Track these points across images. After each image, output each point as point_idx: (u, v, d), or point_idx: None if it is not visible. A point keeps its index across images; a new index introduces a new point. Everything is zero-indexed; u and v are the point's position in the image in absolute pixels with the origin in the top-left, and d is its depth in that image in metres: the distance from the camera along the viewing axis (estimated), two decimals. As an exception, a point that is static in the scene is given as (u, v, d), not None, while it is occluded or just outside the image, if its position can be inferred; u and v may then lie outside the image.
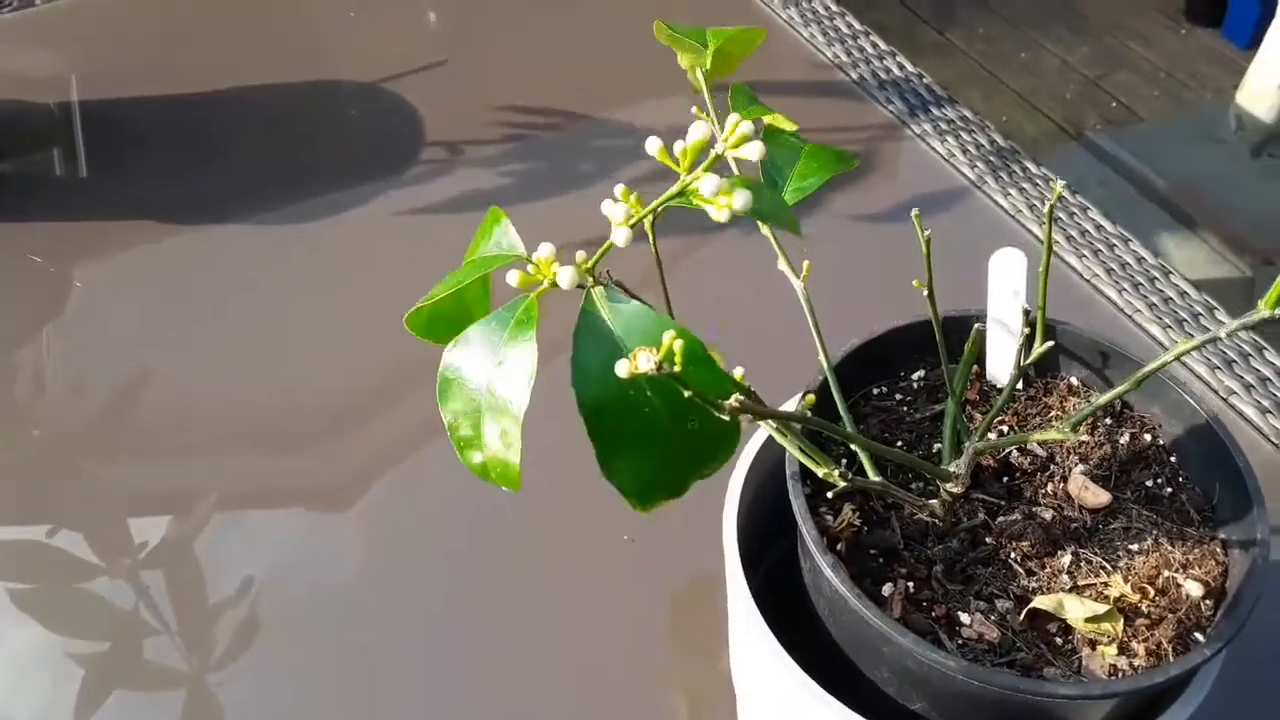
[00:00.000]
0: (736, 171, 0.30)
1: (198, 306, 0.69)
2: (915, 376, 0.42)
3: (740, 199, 0.25)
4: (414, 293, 0.74)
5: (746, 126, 0.24)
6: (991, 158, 0.78)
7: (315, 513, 0.59)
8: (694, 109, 0.43)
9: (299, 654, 0.52)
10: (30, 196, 0.77)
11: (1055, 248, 0.71)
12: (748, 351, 0.45)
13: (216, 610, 0.53)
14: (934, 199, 0.76)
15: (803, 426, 0.35)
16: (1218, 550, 0.36)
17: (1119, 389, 0.33)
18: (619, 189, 0.29)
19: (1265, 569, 0.33)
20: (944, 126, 0.81)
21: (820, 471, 0.33)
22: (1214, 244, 1.83)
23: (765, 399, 0.44)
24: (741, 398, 0.25)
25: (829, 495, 0.34)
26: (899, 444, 0.40)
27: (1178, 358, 0.30)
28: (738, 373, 0.38)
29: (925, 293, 0.34)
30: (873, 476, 0.35)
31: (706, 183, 0.24)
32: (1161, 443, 0.40)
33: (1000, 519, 0.37)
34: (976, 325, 0.34)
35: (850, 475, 0.33)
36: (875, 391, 0.42)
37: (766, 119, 0.43)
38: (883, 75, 0.86)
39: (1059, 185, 0.35)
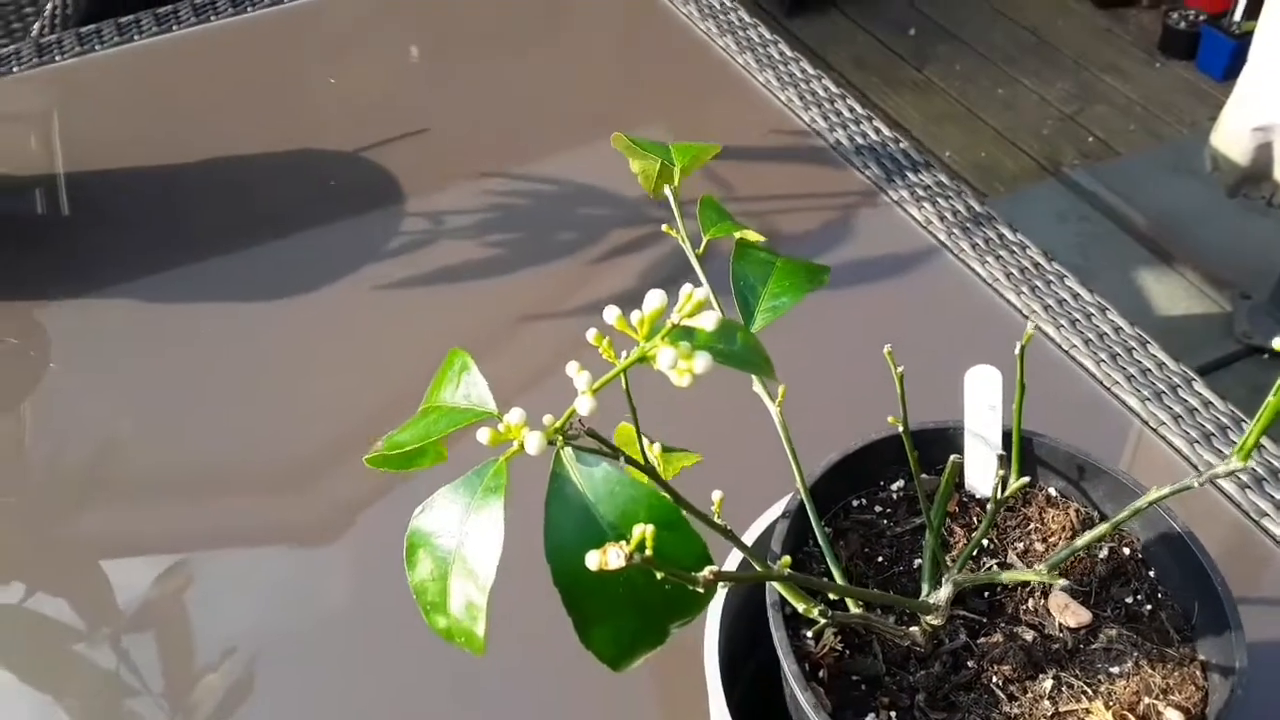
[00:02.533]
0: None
1: (174, 384, 0.69)
2: (895, 487, 0.42)
3: (701, 363, 0.25)
4: (393, 369, 0.74)
5: (701, 293, 0.24)
6: (968, 224, 0.78)
7: (296, 577, 0.59)
8: (664, 226, 0.43)
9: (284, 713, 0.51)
10: (4, 278, 0.77)
11: (1032, 316, 0.71)
12: (730, 460, 0.45)
13: (198, 673, 0.53)
14: (911, 267, 0.77)
15: (778, 558, 0.35)
16: (1197, 674, 0.36)
17: (1094, 533, 0.33)
18: (591, 334, 0.28)
19: (1244, 698, 0.33)
20: (921, 192, 0.81)
21: (800, 607, 0.33)
22: (1192, 278, 1.84)
23: (749, 510, 0.44)
24: (715, 570, 0.25)
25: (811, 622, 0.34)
26: (879, 559, 0.40)
27: (1152, 503, 0.30)
28: (716, 496, 0.38)
29: (900, 428, 0.34)
30: (853, 608, 0.35)
31: (663, 356, 0.24)
32: (1140, 557, 0.40)
33: (982, 639, 0.37)
34: (953, 458, 0.34)
35: (829, 611, 0.33)
36: (855, 504, 0.42)
37: (737, 234, 0.43)
38: (859, 140, 0.86)
39: (1030, 328, 0.36)
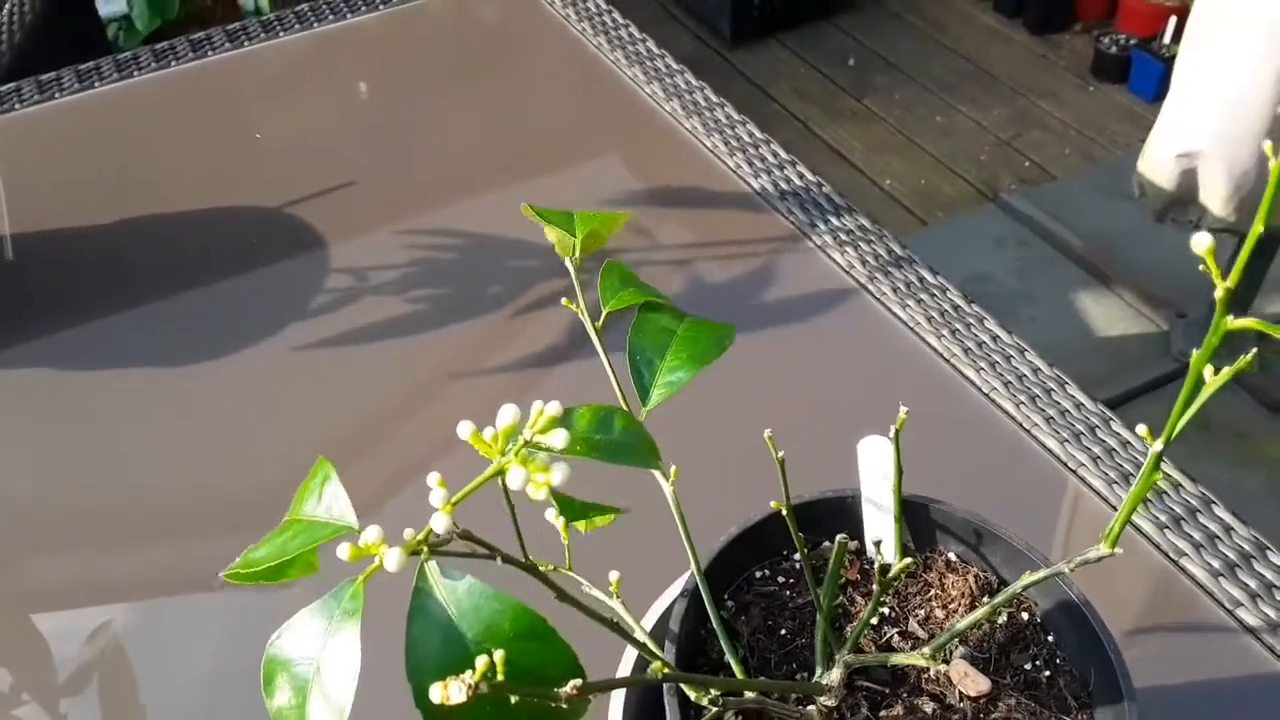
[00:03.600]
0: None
1: (87, 439, 0.68)
2: (797, 557, 0.42)
3: (559, 474, 0.25)
4: (310, 431, 0.73)
5: (553, 409, 0.24)
6: (890, 268, 0.79)
7: (209, 634, 0.58)
8: (564, 300, 0.43)
9: None
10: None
11: (953, 360, 0.72)
12: (644, 525, 0.45)
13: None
14: (833, 312, 0.77)
15: (677, 645, 0.35)
16: (1093, 743, 0.36)
17: (971, 618, 0.33)
18: (466, 432, 0.28)
19: (1135, 768, 0.33)
20: (844, 237, 0.82)
21: (692, 695, 0.33)
22: (1129, 299, 1.88)
23: (653, 584, 0.44)
24: (579, 683, 0.25)
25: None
26: (783, 631, 0.40)
27: (1025, 588, 0.31)
28: (613, 577, 0.38)
29: (784, 511, 0.34)
30: (750, 692, 0.35)
31: (514, 476, 0.24)
32: (1039, 621, 0.40)
33: (884, 713, 0.37)
34: (840, 539, 0.34)
35: (721, 699, 0.32)
36: (759, 574, 0.42)
37: (639, 301, 0.43)
38: (784, 185, 0.87)
39: (903, 412, 0.35)
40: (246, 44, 1.05)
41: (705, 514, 0.42)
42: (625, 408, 0.39)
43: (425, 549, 0.26)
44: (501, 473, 0.25)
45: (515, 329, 0.76)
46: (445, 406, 0.71)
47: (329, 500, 0.27)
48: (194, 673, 0.57)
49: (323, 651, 0.25)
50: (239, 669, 0.58)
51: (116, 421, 0.70)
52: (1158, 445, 0.26)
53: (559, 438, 0.24)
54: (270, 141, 0.95)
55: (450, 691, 0.22)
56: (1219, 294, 0.22)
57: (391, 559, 0.25)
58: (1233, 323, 0.22)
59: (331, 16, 1.08)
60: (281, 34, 1.07)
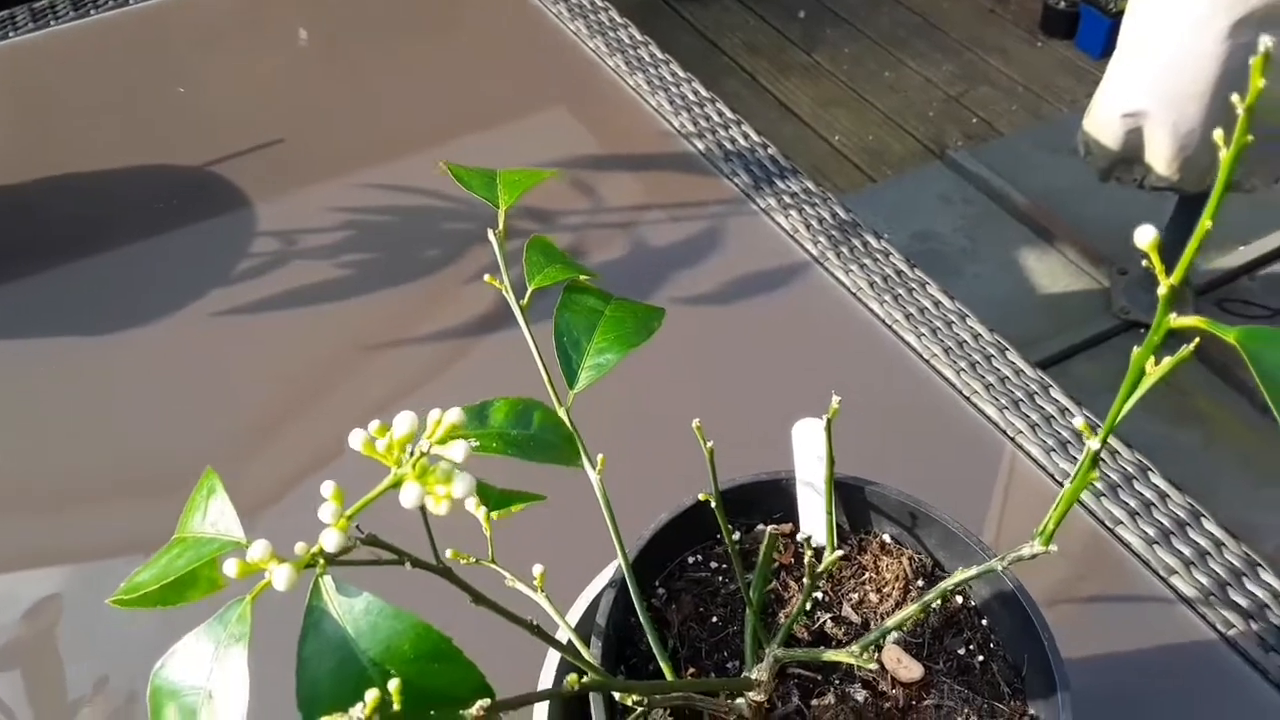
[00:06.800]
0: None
1: (4, 404, 0.65)
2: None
3: (461, 486, 0.23)
4: (237, 397, 0.70)
5: (453, 416, 0.22)
6: (834, 232, 0.78)
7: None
8: (486, 276, 0.41)
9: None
10: None
11: (895, 326, 0.71)
12: (575, 510, 0.43)
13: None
14: (777, 277, 0.76)
15: (604, 640, 0.33)
16: (1025, 730, 0.36)
17: (900, 617, 0.32)
18: (358, 441, 0.26)
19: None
20: (788, 200, 0.80)
21: (616, 695, 0.32)
22: (1071, 255, 1.89)
23: (586, 573, 0.43)
24: (487, 704, 0.23)
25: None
26: (714, 618, 0.39)
27: (958, 584, 0.30)
28: (537, 570, 0.36)
29: (712, 504, 0.33)
30: (676, 688, 0.34)
31: (406, 493, 0.22)
32: (973, 604, 0.39)
33: (815, 701, 0.37)
34: (769, 529, 0.33)
35: (644, 699, 0.31)
36: (691, 560, 0.41)
37: (565, 278, 0.41)
38: (728, 145, 0.85)
39: (835, 402, 0.34)
40: (167, -9, 1.00)
41: (646, 497, 0.41)
42: (551, 391, 0.37)
43: (321, 562, 0.24)
44: (399, 484, 0.23)
45: (445, 298, 0.74)
46: (367, 380, 0.69)
47: (214, 515, 0.25)
48: (115, 643, 0.54)
49: (210, 679, 0.23)
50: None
51: (27, 389, 0.66)
52: (1093, 444, 0.25)
53: (458, 450, 0.22)
54: (194, 96, 0.91)
55: (340, 726, 0.20)
56: (1162, 291, 0.20)
57: (280, 577, 0.23)
58: (1175, 320, 0.21)
59: (257, -37, 1.03)
60: (205, -19, 1.02)
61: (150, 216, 0.79)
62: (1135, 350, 0.23)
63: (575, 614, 0.41)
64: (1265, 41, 0.17)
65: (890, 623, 0.33)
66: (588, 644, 0.34)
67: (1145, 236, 0.20)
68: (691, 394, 0.68)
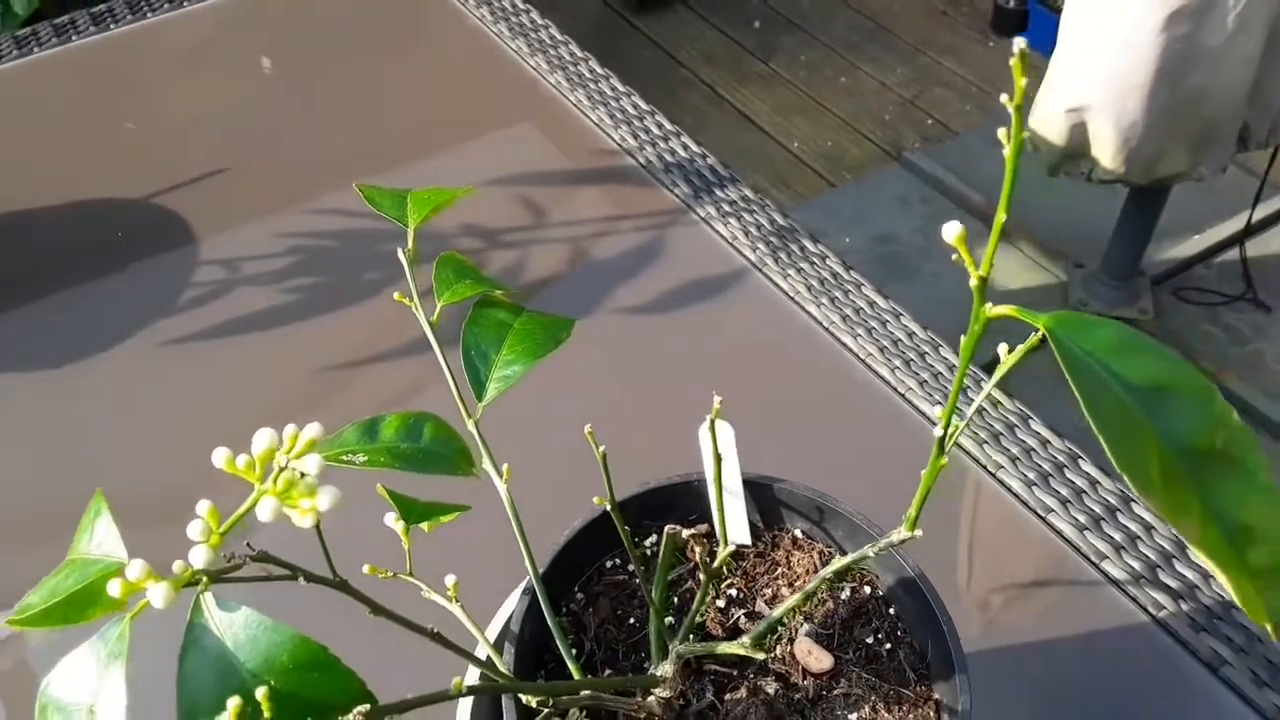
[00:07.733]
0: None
1: None
2: (649, 543, 0.42)
3: (326, 498, 0.24)
4: (177, 429, 0.70)
5: (312, 430, 0.23)
6: (772, 238, 0.79)
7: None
8: (396, 295, 0.42)
9: None
10: None
11: (831, 327, 0.72)
12: (485, 534, 0.44)
13: None
14: (717, 285, 0.77)
15: (516, 644, 0.34)
16: (931, 715, 0.37)
17: (788, 604, 0.33)
18: (221, 459, 0.27)
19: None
20: (727, 208, 0.82)
21: (524, 699, 0.33)
22: (1028, 251, 1.92)
23: (507, 583, 0.43)
24: (366, 709, 0.24)
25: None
26: (631, 620, 0.40)
27: (860, 559, 0.31)
28: (450, 581, 0.37)
29: (607, 506, 0.34)
30: (583, 690, 0.35)
31: (263, 508, 0.23)
32: (881, 594, 0.40)
33: (728, 695, 0.38)
34: (668, 529, 0.34)
35: (552, 701, 0.32)
36: (609, 564, 0.42)
37: (476, 293, 0.42)
38: (668, 157, 0.87)
39: (717, 402, 0.35)
40: (113, 26, 1.01)
41: (578, 505, 0.41)
42: (461, 404, 0.38)
43: (205, 579, 0.25)
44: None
45: (383, 320, 0.75)
46: (307, 402, 0.70)
47: (100, 536, 0.26)
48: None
49: (95, 696, 0.24)
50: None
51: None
52: (939, 430, 0.26)
53: (312, 463, 0.23)
54: (138, 129, 0.91)
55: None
56: (973, 283, 0.22)
57: (157, 595, 0.24)
58: (991, 310, 0.22)
59: (198, -5, 1.04)
60: (150, 14, 1.03)
61: (95, 250, 0.80)
62: (962, 339, 0.24)
63: (499, 622, 0.41)
64: (1019, 43, 0.18)
65: (776, 612, 0.34)
66: (502, 651, 0.35)
67: (952, 231, 0.21)
68: (629, 402, 0.69)
